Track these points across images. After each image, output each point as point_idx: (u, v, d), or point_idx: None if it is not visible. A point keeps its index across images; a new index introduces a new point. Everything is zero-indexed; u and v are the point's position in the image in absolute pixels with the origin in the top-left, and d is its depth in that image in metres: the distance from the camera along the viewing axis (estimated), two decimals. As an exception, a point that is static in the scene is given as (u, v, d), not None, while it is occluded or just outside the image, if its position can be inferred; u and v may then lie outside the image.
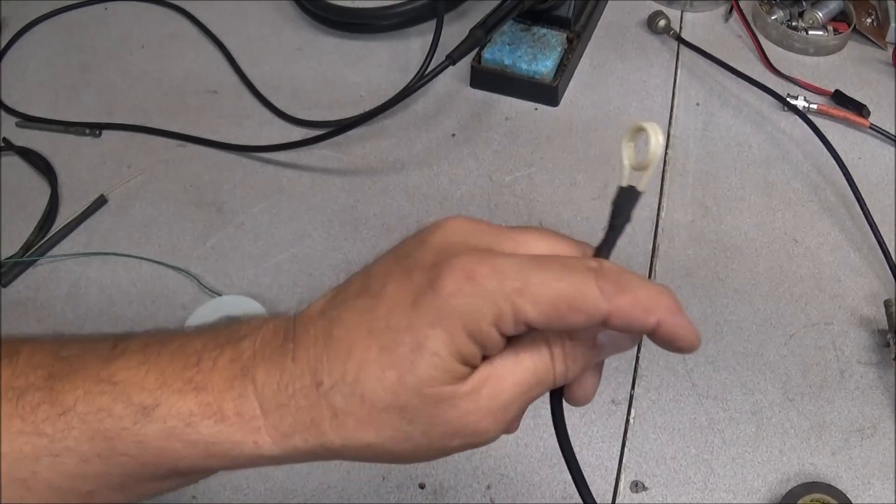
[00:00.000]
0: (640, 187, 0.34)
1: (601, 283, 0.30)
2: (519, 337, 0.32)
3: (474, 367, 0.32)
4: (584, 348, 0.33)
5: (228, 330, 0.34)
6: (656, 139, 0.32)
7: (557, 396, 0.35)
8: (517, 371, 0.32)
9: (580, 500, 0.35)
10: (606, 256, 0.34)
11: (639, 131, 0.33)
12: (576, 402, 0.36)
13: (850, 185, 0.69)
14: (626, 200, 0.34)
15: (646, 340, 0.33)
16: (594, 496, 0.35)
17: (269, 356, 0.32)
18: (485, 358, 0.32)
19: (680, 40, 0.83)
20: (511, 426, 0.34)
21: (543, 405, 0.35)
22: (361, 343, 0.31)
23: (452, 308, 0.30)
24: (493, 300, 0.30)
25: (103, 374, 0.33)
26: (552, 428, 0.35)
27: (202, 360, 0.33)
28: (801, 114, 0.75)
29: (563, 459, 0.35)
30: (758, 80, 0.78)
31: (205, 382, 0.32)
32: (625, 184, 0.34)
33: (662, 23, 0.84)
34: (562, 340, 0.33)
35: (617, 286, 0.31)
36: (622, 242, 0.34)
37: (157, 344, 0.34)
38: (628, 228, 0.34)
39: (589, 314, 0.30)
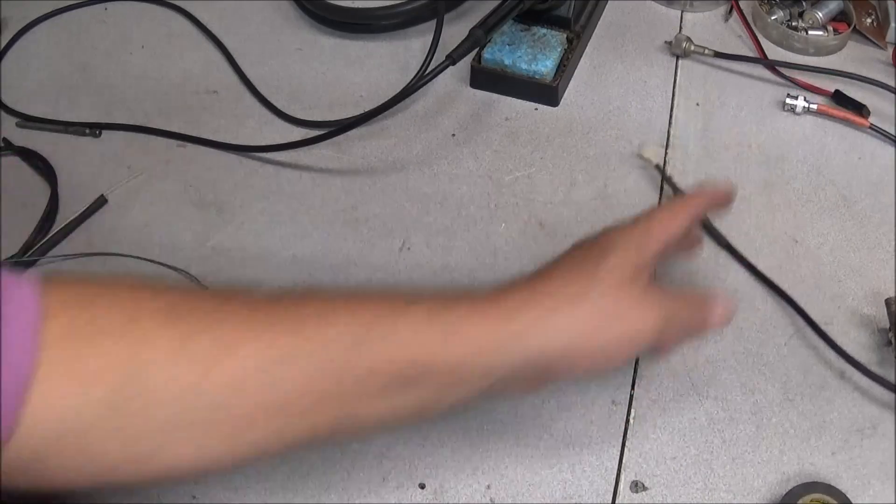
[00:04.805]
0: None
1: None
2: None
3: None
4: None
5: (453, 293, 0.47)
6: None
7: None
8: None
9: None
10: None
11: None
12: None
13: None
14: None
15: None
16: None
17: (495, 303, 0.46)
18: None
19: (717, 55, 0.80)
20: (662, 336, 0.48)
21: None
22: (557, 284, 0.47)
23: (627, 246, 0.48)
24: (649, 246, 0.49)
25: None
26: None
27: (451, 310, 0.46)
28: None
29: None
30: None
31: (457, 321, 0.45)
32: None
33: (686, 45, 0.81)
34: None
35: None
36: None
37: (437, 303, 0.46)
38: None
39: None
